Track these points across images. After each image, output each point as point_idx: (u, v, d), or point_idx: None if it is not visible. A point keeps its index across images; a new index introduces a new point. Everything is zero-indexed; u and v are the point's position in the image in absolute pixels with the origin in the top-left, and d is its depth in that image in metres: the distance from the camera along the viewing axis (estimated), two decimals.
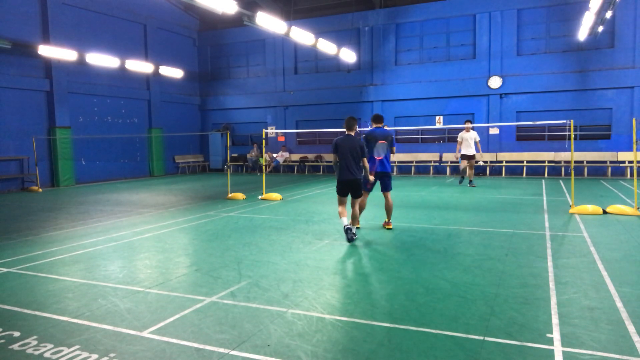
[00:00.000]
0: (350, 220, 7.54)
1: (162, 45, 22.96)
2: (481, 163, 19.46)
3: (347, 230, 7.07)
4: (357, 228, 8.24)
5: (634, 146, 9.44)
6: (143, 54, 21.88)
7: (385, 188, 8.24)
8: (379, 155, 8.05)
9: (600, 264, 5.77)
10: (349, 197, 7.51)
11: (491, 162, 19.67)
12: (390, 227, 8.27)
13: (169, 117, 23.58)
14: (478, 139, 14.71)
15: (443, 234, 7.78)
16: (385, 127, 8.71)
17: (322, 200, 12.28)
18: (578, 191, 12.43)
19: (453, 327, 3.93)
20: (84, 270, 5.99)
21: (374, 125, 8.30)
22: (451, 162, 19.82)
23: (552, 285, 4.98)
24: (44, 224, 9.46)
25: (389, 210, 8.25)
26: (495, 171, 19.69)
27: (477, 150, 14.78)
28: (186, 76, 24.25)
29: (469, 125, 14.59)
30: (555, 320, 4.02)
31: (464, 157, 14.77)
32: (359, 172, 7.27)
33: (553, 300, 4.51)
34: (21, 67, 16.80)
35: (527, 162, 19.06)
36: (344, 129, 7.41)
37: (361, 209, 8.11)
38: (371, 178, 7.72)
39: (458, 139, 14.90)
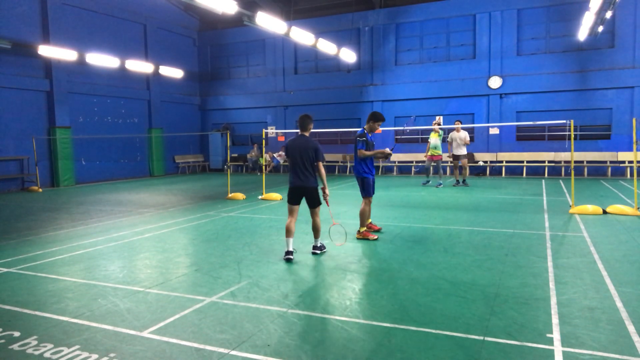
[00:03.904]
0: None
1: (162, 45, 22.95)
2: (481, 163, 19.46)
3: (287, 254, 6.16)
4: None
5: (634, 146, 9.43)
6: (143, 54, 21.87)
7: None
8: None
9: (600, 264, 5.77)
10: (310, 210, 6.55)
11: (491, 162, 19.67)
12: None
13: (169, 117, 23.58)
14: (467, 139, 14.95)
15: (443, 234, 7.78)
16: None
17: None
18: (578, 191, 12.42)
19: (453, 327, 3.93)
20: (84, 270, 5.99)
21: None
22: (450, 162, 19.76)
23: (552, 285, 4.98)
24: (44, 224, 9.46)
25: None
26: (495, 171, 19.68)
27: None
28: (186, 76, 24.24)
29: (458, 125, 14.85)
30: (555, 320, 4.02)
31: (454, 157, 15.23)
32: (311, 178, 6.27)
33: (553, 300, 4.50)
34: (21, 67, 16.80)
35: (527, 162, 19.05)
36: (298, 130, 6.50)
37: (363, 214, 7.43)
38: (327, 192, 6.54)
39: (448, 139, 15.37)
